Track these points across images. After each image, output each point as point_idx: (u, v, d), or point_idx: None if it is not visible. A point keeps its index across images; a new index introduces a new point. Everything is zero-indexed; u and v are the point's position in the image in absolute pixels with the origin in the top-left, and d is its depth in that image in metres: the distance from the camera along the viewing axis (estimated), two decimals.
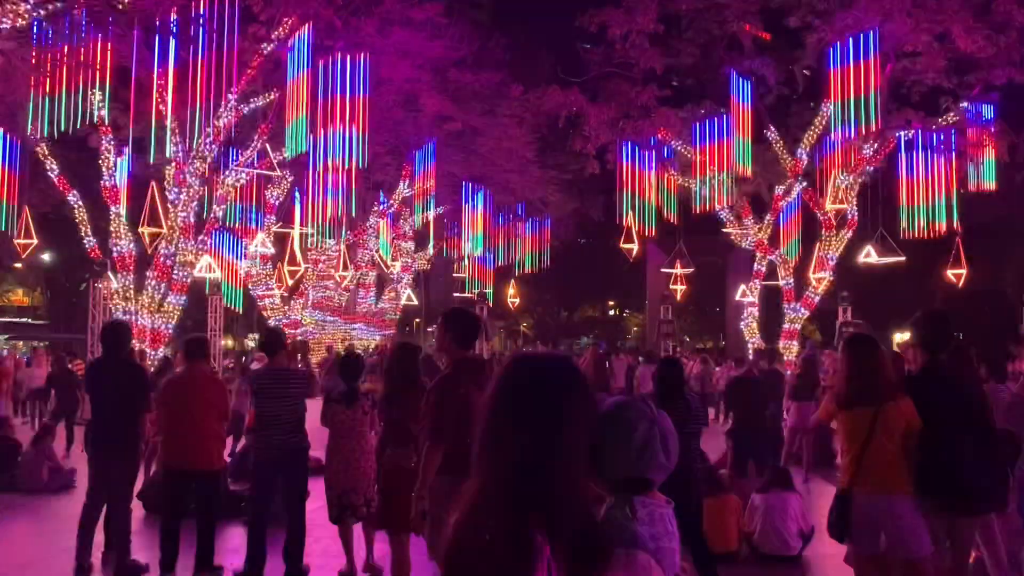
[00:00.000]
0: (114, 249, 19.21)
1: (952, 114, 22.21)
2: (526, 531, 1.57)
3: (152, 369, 13.10)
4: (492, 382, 1.79)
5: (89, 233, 20.01)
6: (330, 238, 26.29)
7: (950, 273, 23.85)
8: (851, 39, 20.19)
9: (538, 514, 1.59)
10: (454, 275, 32.28)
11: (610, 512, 1.84)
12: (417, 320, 44.33)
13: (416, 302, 33.33)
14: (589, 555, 1.59)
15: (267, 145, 20.43)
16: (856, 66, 19.92)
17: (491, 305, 30.66)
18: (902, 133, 22.72)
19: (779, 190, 24.95)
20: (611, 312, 64.78)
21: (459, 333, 4.76)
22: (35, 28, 14.22)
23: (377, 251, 28.97)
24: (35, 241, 21.85)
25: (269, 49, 18.32)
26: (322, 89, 18.31)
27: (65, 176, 19.84)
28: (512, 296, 32.91)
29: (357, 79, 18.61)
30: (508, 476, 1.64)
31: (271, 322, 25.60)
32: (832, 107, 21.08)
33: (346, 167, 19.92)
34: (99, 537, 6.80)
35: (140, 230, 19.35)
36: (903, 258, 22.75)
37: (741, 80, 22.37)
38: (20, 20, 12.70)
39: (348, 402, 6.64)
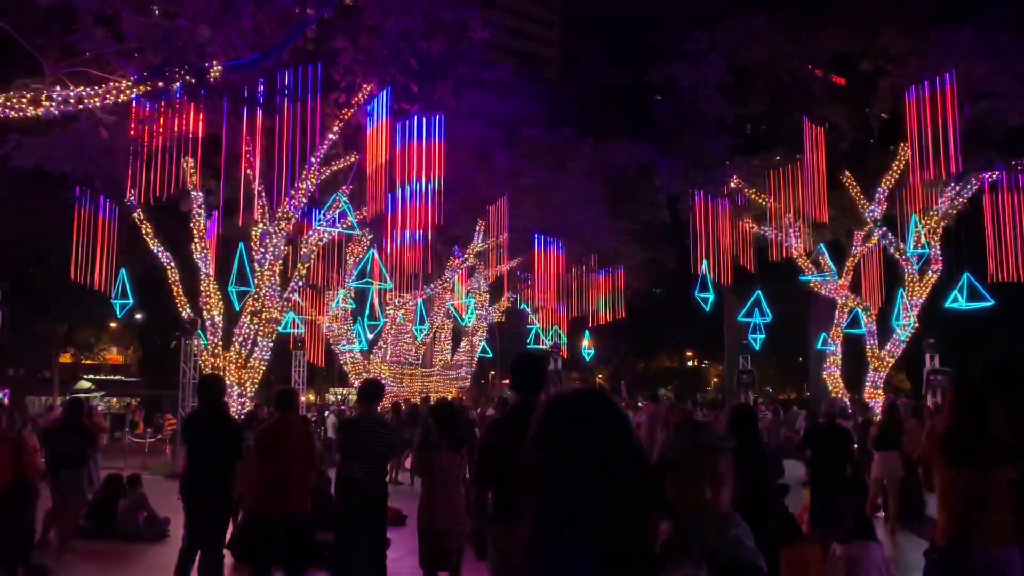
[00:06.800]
0: (203, 308, 20.07)
1: None
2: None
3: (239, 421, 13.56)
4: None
5: (181, 293, 20.95)
6: (407, 293, 26.88)
7: None
8: (927, 82, 19.92)
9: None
10: (528, 326, 32.47)
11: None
12: (492, 372, 44.57)
13: (491, 354, 33.61)
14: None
15: (348, 204, 21.20)
16: (933, 109, 19.62)
17: (566, 356, 30.69)
18: (987, 174, 22.17)
19: (858, 236, 24.54)
20: (689, 363, 63.88)
21: (516, 378, 4.70)
22: (134, 103, 15.22)
23: (457, 303, 29.39)
24: (132, 301, 22.92)
25: (349, 114, 19.13)
26: (399, 150, 19.00)
27: (159, 239, 20.93)
28: (587, 347, 32.86)
29: (433, 139, 19.25)
30: (544, 506, 1.72)
31: (352, 377, 26.19)
32: (909, 150, 20.77)
33: (423, 224, 20.49)
34: None
35: (228, 289, 20.18)
36: (992, 302, 21.96)
37: (813, 127, 22.25)
38: (122, 96, 13.64)
39: (453, 446, 6.85)
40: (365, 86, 18.68)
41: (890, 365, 24.64)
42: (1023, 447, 4.21)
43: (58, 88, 12.47)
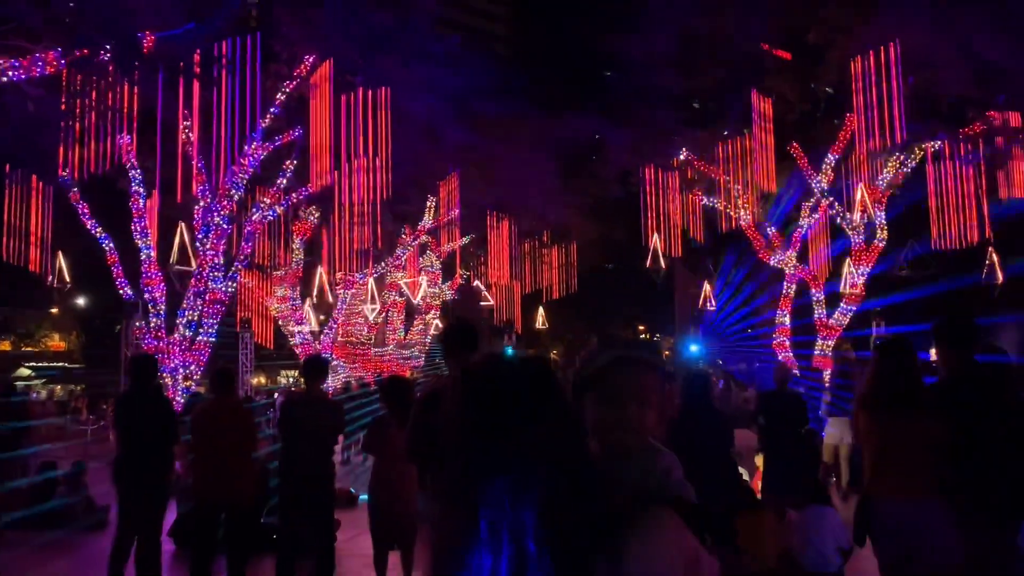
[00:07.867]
0: (145, 290, 19.44)
1: (979, 123, 21.95)
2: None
3: (182, 404, 13.18)
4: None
5: (121, 275, 20.24)
6: (357, 271, 26.47)
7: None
8: (872, 52, 20.07)
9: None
10: (481, 303, 32.28)
11: None
12: None
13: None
14: None
15: (293, 181, 20.68)
16: (878, 79, 19.80)
17: (520, 332, 30.62)
18: (929, 144, 22.49)
19: (805, 207, 24.79)
20: (642, 336, 64.42)
21: (446, 348, 4.47)
22: (64, 75, 14.55)
23: (409, 281, 29.08)
24: (69, 284, 22.12)
25: (291, 87, 18.60)
26: (345, 124, 18.54)
27: (96, 219, 20.17)
28: (540, 323, 32.84)
29: (379, 112, 18.83)
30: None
31: (303, 358, 25.76)
32: (855, 121, 20.95)
33: (370, 199, 20.12)
34: (130, 572, 6.80)
35: (169, 269, 19.59)
36: (934, 270, 22.38)
37: (761, 98, 22.33)
38: (49, 68, 13.03)
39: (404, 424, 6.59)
40: (307, 58, 18.16)
41: (838, 333, 24.99)
42: (958, 401, 4.23)
43: None
